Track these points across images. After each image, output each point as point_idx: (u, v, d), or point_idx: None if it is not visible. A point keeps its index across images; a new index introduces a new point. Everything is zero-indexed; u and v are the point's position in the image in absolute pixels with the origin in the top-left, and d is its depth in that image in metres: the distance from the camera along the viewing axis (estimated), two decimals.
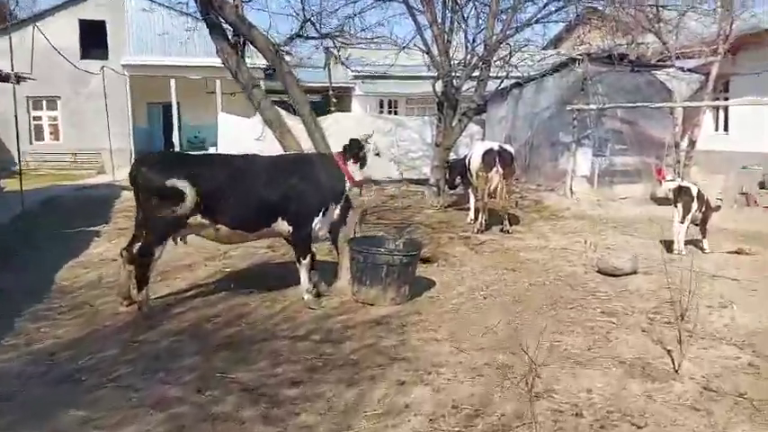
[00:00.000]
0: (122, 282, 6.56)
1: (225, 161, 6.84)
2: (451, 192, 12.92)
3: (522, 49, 12.32)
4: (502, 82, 12.89)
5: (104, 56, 26.87)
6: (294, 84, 7.16)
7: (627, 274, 7.72)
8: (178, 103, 29.32)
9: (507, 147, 10.85)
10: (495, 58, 11.96)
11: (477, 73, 12.47)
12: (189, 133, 30.67)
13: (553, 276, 7.88)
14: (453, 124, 12.77)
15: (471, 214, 11.40)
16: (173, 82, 27.25)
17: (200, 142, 29.53)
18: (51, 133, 28.05)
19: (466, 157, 11.40)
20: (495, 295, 7.08)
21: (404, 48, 12.57)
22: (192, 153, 6.76)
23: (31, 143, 27.11)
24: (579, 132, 14.73)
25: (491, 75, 12.44)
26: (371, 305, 6.63)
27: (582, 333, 5.80)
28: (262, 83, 28.14)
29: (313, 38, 7.88)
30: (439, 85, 12.68)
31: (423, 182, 14.89)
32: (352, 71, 29.06)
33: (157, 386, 4.63)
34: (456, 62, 12.46)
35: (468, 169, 11.02)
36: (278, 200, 6.55)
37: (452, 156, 13.61)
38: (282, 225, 6.66)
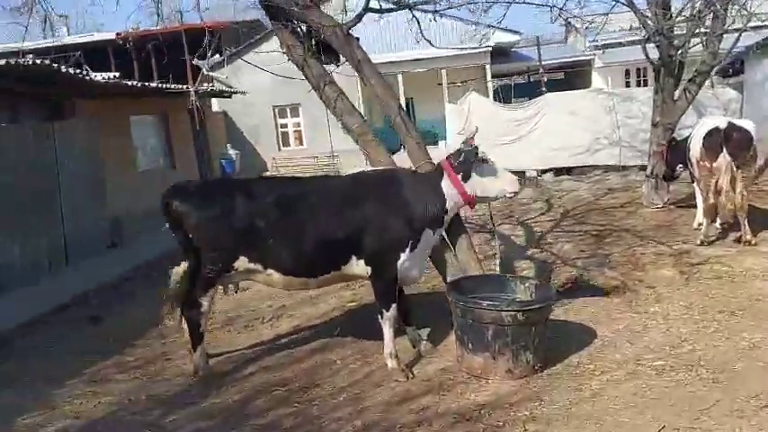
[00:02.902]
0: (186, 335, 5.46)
1: (273, 187, 5.33)
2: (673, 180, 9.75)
3: None
4: (740, 36, 9.11)
5: (336, 59, 27.43)
6: (374, 75, 5.39)
7: None
8: (411, 99, 29.13)
9: (742, 123, 7.60)
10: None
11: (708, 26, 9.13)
12: (423, 127, 30.21)
13: None
14: (676, 96, 9.63)
15: (698, 217, 8.35)
16: (400, 77, 26.99)
17: (433, 136, 28.93)
18: (296, 138, 29.51)
19: (688, 138, 8.38)
20: (680, 367, 4.53)
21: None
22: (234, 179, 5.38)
23: (279, 149, 28.94)
24: None
25: (728, 27, 8.98)
26: (482, 377, 4.65)
27: None
28: (488, 67, 27.41)
29: (389, 10, 5.95)
30: (654, 49, 9.64)
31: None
32: (590, 42, 25.80)
33: None
34: (674, 14, 9.27)
35: (689, 157, 8.06)
36: (348, 233, 4.90)
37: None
38: (357, 266, 4.99)
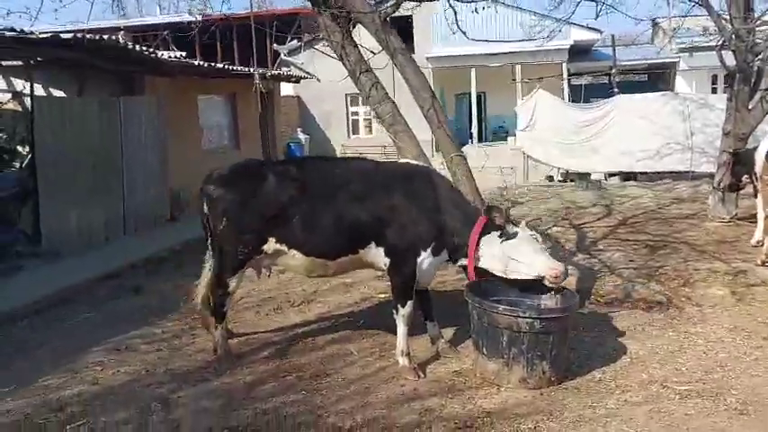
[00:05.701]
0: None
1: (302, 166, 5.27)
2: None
3: None
4: None
5: (411, 51, 27.26)
6: (409, 64, 5.27)
7: None
8: (484, 93, 28.76)
9: None
10: None
11: None
12: (493, 123, 29.81)
13: None
14: (750, 105, 9.01)
15: (758, 234, 7.83)
16: (473, 72, 26.62)
17: (504, 132, 28.41)
18: (366, 127, 29.60)
19: (756, 148, 7.84)
20: (707, 394, 4.23)
21: None
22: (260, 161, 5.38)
23: (349, 137, 29.14)
24: None
25: None
26: (494, 384, 4.49)
27: None
28: (565, 65, 26.55)
29: None
30: (729, 54, 9.04)
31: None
32: (677, 43, 24.67)
33: None
34: (757, 17, 8.64)
35: (754, 169, 7.55)
36: (371, 218, 4.84)
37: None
38: (376, 254, 4.90)
